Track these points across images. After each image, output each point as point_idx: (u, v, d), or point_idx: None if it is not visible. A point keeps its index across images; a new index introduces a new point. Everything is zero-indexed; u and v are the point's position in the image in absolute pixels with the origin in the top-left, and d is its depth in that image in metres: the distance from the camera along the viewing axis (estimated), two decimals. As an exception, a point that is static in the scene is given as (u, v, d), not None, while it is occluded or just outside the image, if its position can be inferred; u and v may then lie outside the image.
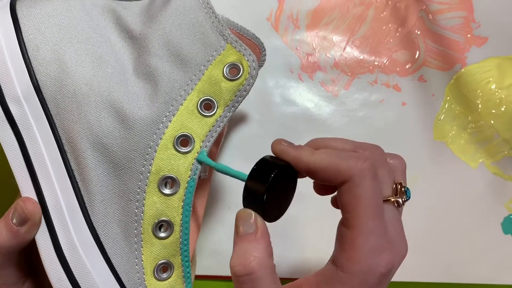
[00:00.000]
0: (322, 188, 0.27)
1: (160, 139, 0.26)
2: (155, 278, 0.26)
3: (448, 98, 0.41)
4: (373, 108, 0.41)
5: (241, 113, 0.40)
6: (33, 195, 0.26)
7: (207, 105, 0.27)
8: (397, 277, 0.38)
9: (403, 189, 0.24)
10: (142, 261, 0.26)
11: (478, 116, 0.41)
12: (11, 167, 0.26)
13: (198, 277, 0.39)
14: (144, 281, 0.26)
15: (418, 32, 0.41)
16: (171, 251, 0.27)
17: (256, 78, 0.28)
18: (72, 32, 0.27)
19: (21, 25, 0.26)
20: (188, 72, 0.27)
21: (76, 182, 0.26)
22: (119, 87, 0.26)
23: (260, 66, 0.33)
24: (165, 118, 0.26)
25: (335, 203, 0.27)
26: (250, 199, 0.24)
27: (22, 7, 0.27)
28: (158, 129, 0.26)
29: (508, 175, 0.40)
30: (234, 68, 0.27)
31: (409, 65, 0.41)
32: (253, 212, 0.23)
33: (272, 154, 0.25)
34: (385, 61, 0.41)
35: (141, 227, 0.26)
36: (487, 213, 0.40)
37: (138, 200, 0.26)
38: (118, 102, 0.26)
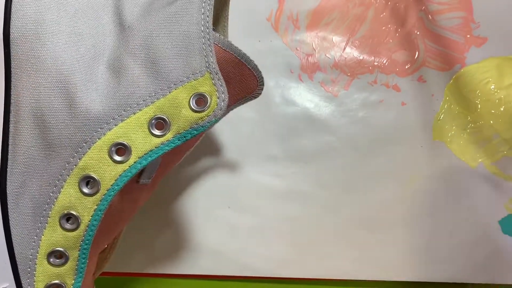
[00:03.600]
0: None
1: (98, 138, 0.25)
2: (47, 261, 0.26)
3: (447, 98, 0.41)
4: (373, 108, 0.41)
5: (241, 113, 0.40)
6: None
7: (159, 124, 0.26)
8: (397, 277, 0.38)
9: None
10: (40, 241, 0.26)
11: (478, 116, 0.41)
12: None
13: (197, 277, 0.39)
14: (36, 259, 0.26)
15: (418, 33, 0.42)
16: (71, 244, 0.27)
17: (219, 119, 0.26)
18: None
19: None
20: (156, 84, 0.26)
21: (8, 145, 0.26)
22: (82, 72, 0.26)
23: (254, 97, 0.31)
24: (112, 120, 0.25)
25: None
26: None
27: None
28: (101, 129, 0.25)
29: (508, 175, 0.40)
30: (202, 100, 0.26)
31: (409, 66, 0.42)
32: None
33: None
34: (384, 62, 0.42)
35: (50, 211, 0.26)
36: (486, 213, 0.40)
37: (56, 185, 0.26)
38: (74, 86, 0.25)
